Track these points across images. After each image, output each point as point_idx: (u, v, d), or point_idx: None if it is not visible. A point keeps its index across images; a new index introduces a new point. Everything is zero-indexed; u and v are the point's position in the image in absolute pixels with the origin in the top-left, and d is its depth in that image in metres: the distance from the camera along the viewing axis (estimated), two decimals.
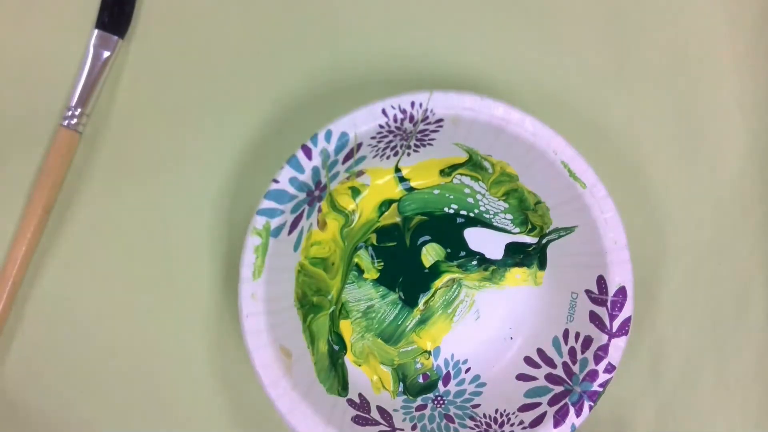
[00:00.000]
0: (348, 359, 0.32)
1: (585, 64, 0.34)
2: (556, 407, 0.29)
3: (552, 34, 0.34)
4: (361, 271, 0.32)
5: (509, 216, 0.32)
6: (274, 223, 0.27)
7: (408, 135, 0.29)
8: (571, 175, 0.28)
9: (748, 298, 0.36)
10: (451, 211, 0.32)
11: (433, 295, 0.33)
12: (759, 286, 0.36)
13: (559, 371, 0.31)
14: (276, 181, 0.27)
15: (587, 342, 0.30)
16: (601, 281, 0.29)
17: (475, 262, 0.32)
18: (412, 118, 0.28)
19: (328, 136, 0.27)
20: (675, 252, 0.35)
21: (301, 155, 0.27)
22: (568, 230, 0.30)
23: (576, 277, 0.30)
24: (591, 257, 0.29)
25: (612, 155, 0.34)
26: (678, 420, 0.35)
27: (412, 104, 0.28)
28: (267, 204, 0.27)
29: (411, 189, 0.32)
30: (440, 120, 0.28)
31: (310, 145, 0.28)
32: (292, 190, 0.27)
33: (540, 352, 0.32)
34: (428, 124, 0.29)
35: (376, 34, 0.33)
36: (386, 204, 0.32)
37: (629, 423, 0.35)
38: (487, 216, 0.32)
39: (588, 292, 0.30)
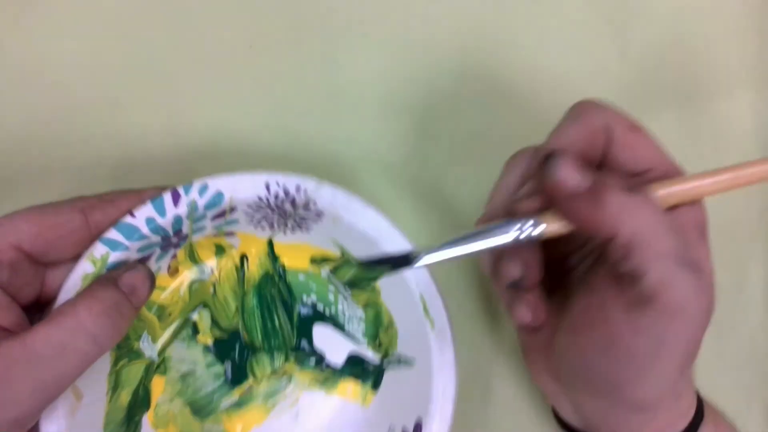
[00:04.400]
0: (147, 419, 0.29)
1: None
2: None
3: None
4: (196, 332, 0.30)
5: (363, 326, 0.31)
6: (114, 257, 0.26)
7: (287, 215, 0.28)
8: (425, 310, 0.28)
9: (746, 278, 0.36)
10: (309, 301, 0.31)
11: (259, 382, 0.31)
12: (757, 266, 0.37)
13: None
14: (132, 215, 0.26)
15: None
16: (418, 428, 0.28)
17: (312, 361, 0.31)
18: (293, 201, 0.27)
19: (203, 190, 0.26)
20: None
21: (168, 199, 0.26)
22: (408, 363, 0.29)
23: (399, 412, 0.29)
24: (417, 398, 0.28)
25: None
26: None
27: (298, 188, 0.27)
28: (114, 234, 0.26)
29: None
30: (321, 213, 0.28)
31: (181, 191, 0.26)
32: (145, 230, 0.26)
33: None
34: (308, 212, 0.28)
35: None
36: None
37: None
38: (342, 317, 0.31)
39: (404, 431, 0.29)
